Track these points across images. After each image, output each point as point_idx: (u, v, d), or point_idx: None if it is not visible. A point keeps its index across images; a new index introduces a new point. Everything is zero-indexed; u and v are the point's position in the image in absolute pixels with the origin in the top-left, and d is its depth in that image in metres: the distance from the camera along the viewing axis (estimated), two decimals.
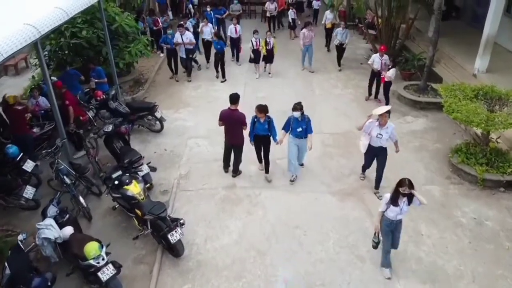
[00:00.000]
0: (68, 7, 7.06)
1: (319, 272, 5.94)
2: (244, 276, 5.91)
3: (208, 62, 13.43)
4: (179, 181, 7.97)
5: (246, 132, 7.73)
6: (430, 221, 6.84)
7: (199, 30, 13.16)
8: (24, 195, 6.80)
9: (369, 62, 10.61)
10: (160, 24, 14.02)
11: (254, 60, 12.51)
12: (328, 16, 14.25)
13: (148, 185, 7.17)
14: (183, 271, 6.01)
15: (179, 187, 7.79)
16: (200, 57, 13.66)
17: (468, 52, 11.63)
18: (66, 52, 10.68)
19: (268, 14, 16.47)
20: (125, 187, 6.23)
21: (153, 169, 7.54)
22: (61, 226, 5.83)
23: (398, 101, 10.95)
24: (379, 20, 13.46)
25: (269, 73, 12.73)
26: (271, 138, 7.52)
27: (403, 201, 5.44)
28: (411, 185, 5.34)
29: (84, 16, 10.36)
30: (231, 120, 7.59)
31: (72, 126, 8.09)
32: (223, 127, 7.76)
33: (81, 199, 6.76)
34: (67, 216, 5.96)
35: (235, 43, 13.43)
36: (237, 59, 13.80)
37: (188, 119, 10.38)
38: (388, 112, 6.80)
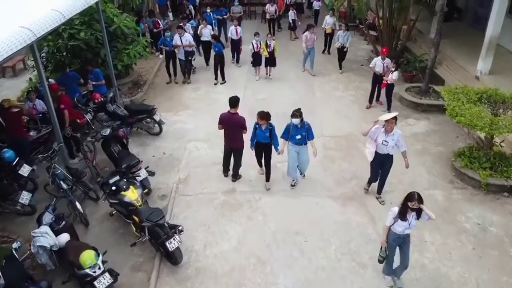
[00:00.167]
0: (64, 9, 6.93)
1: (321, 280, 5.82)
2: (244, 284, 5.79)
3: (207, 64, 13.29)
4: (178, 185, 7.85)
5: (246, 136, 7.61)
6: (433, 227, 6.70)
7: (198, 32, 12.98)
8: (20, 200, 6.68)
9: (370, 66, 10.45)
10: (161, 26, 13.85)
11: (255, 63, 12.33)
12: (328, 21, 13.94)
13: (146, 190, 7.05)
14: (182, 279, 5.88)
15: (178, 192, 7.67)
16: (199, 59, 13.54)
17: (470, 54, 11.51)
18: (64, 54, 10.58)
19: (268, 16, 16.30)
20: (123, 193, 6.11)
21: (152, 173, 7.42)
22: (57, 233, 5.71)
23: (399, 103, 10.83)
24: (380, 21, 13.34)
25: (269, 75, 12.53)
26: (273, 146, 7.36)
27: (411, 215, 5.14)
28: (420, 200, 5.04)
29: (82, 17, 10.24)
30: (230, 124, 7.47)
31: (68, 130, 7.95)
32: (222, 130, 7.64)
33: (77, 204, 6.63)
34: (63, 222, 5.84)
35: (236, 45, 13.28)
36: (237, 61, 13.64)
37: (187, 122, 10.26)
38: (395, 118, 6.54)
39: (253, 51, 12.00)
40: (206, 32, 12.63)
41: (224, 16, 15.32)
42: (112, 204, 6.42)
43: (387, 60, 10.09)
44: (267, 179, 7.67)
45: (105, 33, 9.89)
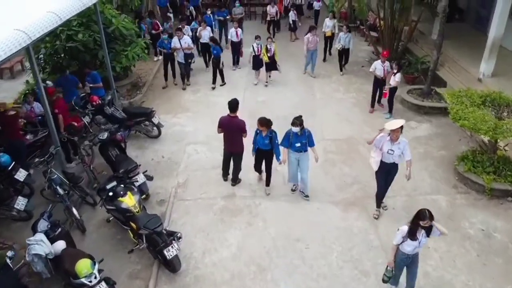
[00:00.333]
0: (61, 11, 6.80)
1: None
2: None
3: (207, 66, 13.15)
4: (176, 190, 7.72)
5: (246, 140, 7.49)
6: None
7: (198, 34, 12.80)
8: (15, 206, 6.55)
9: (370, 70, 10.22)
10: (161, 28, 13.66)
11: (255, 66, 12.05)
12: (327, 24, 13.54)
13: (144, 196, 6.92)
14: (180, 287, 5.76)
15: (177, 197, 7.54)
16: (199, 61, 13.39)
17: (472, 55, 11.38)
18: (62, 55, 10.45)
19: (269, 18, 16.11)
20: (120, 199, 5.98)
21: (150, 178, 7.28)
22: (52, 240, 5.59)
23: (401, 105, 10.70)
24: (381, 22, 13.21)
25: (269, 76, 12.28)
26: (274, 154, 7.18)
27: (421, 233, 4.90)
28: (431, 217, 4.77)
29: (80, 18, 10.11)
30: (230, 128, 7.34)
31: (63, 134, 7.82)
32: (222, 134, 7.52)
33: (74, 210, 6.51)
34: (59, 229, 5.71)
35: (236, 47, 13.05)
36: (237, 62, 13.41)
37: (186, 125, 10.13)
38: (401, 127, 6.20)
39: (253, 54, 11.75)
40: (205, 34, 12.45)
41: (226, 17, 15.10)
42: (109, 210, 6.29)
43: (387, 63, 9.93)
44: (267, 184, 7.53)
45: (103, 35, 9.76)
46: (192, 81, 12.38)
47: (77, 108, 8.80)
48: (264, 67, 12.03)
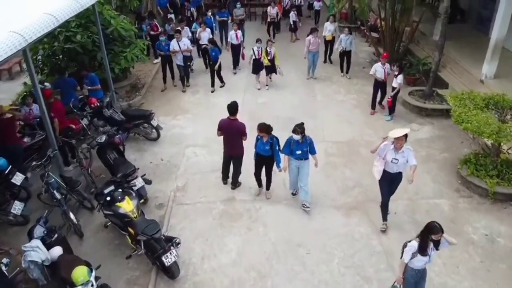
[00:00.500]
0: (58, 12, 6.69)
1: None
2: None
3: (207, 68, 13.00)
4: (175, 193, 7.62)
5: (246, 143, 7.38)
6: None
7: (197, 35, 12.61)
8: (12, 211, 6.44)
9: (371, 73, 10.03)
10: (160, 29, 13.49)
11: (255, 70, 11.79)
12: (328, 28, 13.00)
13: (142, 200, 6.82)
14: None
15: (176, 201, 7.44)
16: (199, 63, 13.28)
17: (474, 57, 11.29)
18: (60, 57, 10.35)
19: (269, 19, 15.90)
20: (117, 204, 5.88)
21: (148, 182, 7.18)
22: (49, 246, 5.48)
23: (403, 107, 10.60)
24: (382, 23, 13.11)
25: (270, 78, 12.12)
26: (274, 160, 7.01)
27: (430, 247, 4.73)
28: (442, 229, 4.60)
29: (78, 19, 10.03)
30: (230, 131, 7.24)
31: (59, 138, 7.70)
32: (221, 136, 7.42)
33: (71, 215, 6.41)
34: (56, 235, 5.60)
35: (237, 50, 12.81)
36: (237, 64, 13.17)
37: (186, 127, 10.03)
38: (405, 135, 5.98)
39: (254, 57, 11.48)
40: (205, 36, 12.25)
41: (226, 18, 14.87)
42: (106, 215, 6.19)
43: (388, 65, 9.79)
44: (267, 188, 7.42)
45: (102, 36, 9.66)
46: (192, 83, 12.27)
47: (75, 110, 8.69)
48: (264, 70, 11.81)
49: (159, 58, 12.23)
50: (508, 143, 7.46)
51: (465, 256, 6.21)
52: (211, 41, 11.52)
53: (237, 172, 7.62)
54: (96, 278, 4.98)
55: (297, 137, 6.57)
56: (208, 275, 5.91)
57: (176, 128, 9.95)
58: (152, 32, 13.36)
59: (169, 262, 5.38)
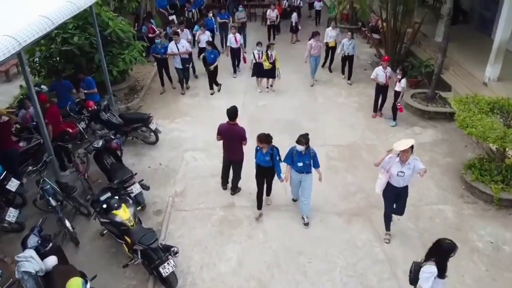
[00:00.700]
0: (54, 14, 6.54)
1: None
2: None
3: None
4: (174, 199, 7.47)
5: (246, 148, 7.23)
6: None
7: (196, 38, 12.34)
8: (6, 218, 6.28)
9: (372, 77, 9.79)
10: (157, 31, 13.32)
11: (256, 74, 11.51)
12: (330, 34, 12.42)
13: (139, 208, 6.67)
14: None
15: (174, 207, 7.29)
16: (199, 65, 13.06)
17: (477, 59, 11.14)
18: (57, 59, 10.20)
19: (269, 22, 15.56)
20: (114, 212, 5.73)
21: (146, 187, 7.04)
22: (43, 255, 5.33)
23: (405, 110, 10.35)
24: (384, 24, 12.96)
25: (271, 85, 11.73)
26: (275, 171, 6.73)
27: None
28: (455, 244, 4.36)
29: (76, 21, 9.87)
30: (230, 135, 7.09)
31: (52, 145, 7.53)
32: (221, 141, 7.27)
33: (67, 222, 6.25)
34: (50, 244, 5.46)
35: (236, 54, 12.53)
36: (238, 67, 12.92)
37: (185, 130, 9.88)
38: (411, 146, 5.65)
39: (254, 61, 11.19)
40: (204, 39, 12.00)
41: (226, 20, 14.57)
42: (103, 223, 6.03)
43: (389, 69, 9.56)
44: (268, 194, 7.25)
45: (99, 38, 9.51)
46: (192, 85, 12.08)
47: (72, 114, 8.54)
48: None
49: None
50: None
51: (470, 265, 6.06)
52: (210, 43, 11.26)
53: (237, 177, 7.47)
54: None
55: (300, 148, 6.24)
56: (207, 285, 5.76)
57: (175, 132, 9.81)
58: (149, 35, 13.18)
59: (167, 272, 5.23)
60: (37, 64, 10.44)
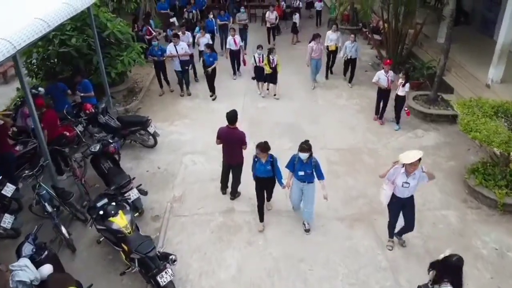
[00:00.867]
0: (49, 17, 6.40)
1: None
2: None
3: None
4: (172, 204, 7.34)
5: (245, 152, 7.10)
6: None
7: (196, 40, 12.14)
8: (1, 224, 6.13)
9: (373, 81, 9.58)
10: (153, 33, 13.13)
11: (256, 77, 11.29)
12: (330, 37, 11.97)
13: (137, 214, 6.54)
14: None
15: (172, 212, 7.16)
16: (199, 68, 12.93)
17: (479, 60, 11.02)
18: (55, 61, 10.08)
19: (268, 25, 15.29)
20: (110, 219, 5.60)
21: (144, 192, 6.92)
22: (39, 264, 5.20)
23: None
24: (385, 25, 12.83)
25: (274, 95, 11.41)
26: (276, 179, 6.53)
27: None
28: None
29: (73, 22, 9.73)
30: (229, 139, 6.96)
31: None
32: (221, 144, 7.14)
33: (63, 229, 6.13)
34: (45, 252, 5.32)
35: (236, 56, 12.32)
36: (238, 69, 12.70)
37: (184, 133, 9.75)
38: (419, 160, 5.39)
39: (255, 65, 10.97)
40: (204, 41, 11.80)
41: (227, 21, 14.38)
42: (99, 230, 5.90)
43: (391, 73, 9.34)
44: (268, 199, 7.10)
45: (97, 40, 9.38)
46: (191, 87, 11.86)
47: (69, 117, 8.41)
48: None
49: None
50: None
51: (474, 272, 5.93)
52: (208, 45, 11.02)
53: (236, 181, 7.35)
54: None
55: (304, 155, 5.99)
56: None
57: (174, 134, 9.68)
58: (146, 36, 13.03)
59: (164, 282, 5.10)
60: (34, 66, 10.32)
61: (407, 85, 9.06)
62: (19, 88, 10.03)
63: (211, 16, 14.12)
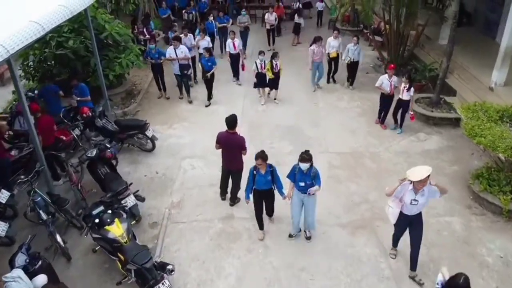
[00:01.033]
0: (45, 20, 6.25)
1: None
2: None
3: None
4: (170, 210, 7.19)
5: (245, 157, 6.95)
6: (452, 261, 6.05)
7: (195, 43, 11.87)
8: None
9: (376, 85, 9.37)
10: (147, 35, 12.89)
11: (258, 84, 10.88)
12: (332, 44, 11.42)
13: (134, 222, 6.39)
14: None
15: (171, 219, 7.01)
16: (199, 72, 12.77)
17: (482, 63, 10.89)
18: (52, 63, 9.94)
19: (268, 27, 14.92)
20: (106, 227, 5.45)
21: (141, 199, 6.78)
22: (33, 274, 5.06)
23: (408, 115, 10.15)
24: (386, 26, 12.67)
25: (275, 99, 11.12)
26: (276, 190, 6.31)
27: None
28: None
29: (71, 24, 9.60)
30: (229, 144, 6.82)
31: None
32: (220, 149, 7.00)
33: (58, 237, 5.98)
34: (39, 262, 5.18)
35: (236, 60, 12.02)
36: (237, 74, 12.32)
37: (183, 136, 9.60)
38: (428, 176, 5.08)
39: (256, 71, 10.58)
40: (203, 44, 11.57)
41: (226, 23, 14.13)
42: (95, 239, 5.76)
43: (395, 78, 9.13)
44: (270, 214, 6.75)
45: (95, 42, 9.24)
46: (190, 90, 11.68)
47: (65, 120, 8.27)
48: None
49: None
50: None
51: (480, 282, 5.78)
52: (207, 49, 10.75)
53: (236, 187, 7.20)
54: None
55: (304, 166, 5.74)
56: None
57: (172, 138, 9.53)
58: (141, 37, 12.85)
59: None
60: (31, 68, 10.18)
61: (412, 89, 8.87)
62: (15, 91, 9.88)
63: (211, 18, 13.92)
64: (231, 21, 14.63)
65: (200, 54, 11.45)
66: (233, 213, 7.13)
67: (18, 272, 4.88)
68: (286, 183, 6.26)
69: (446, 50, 9.78)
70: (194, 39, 12.04)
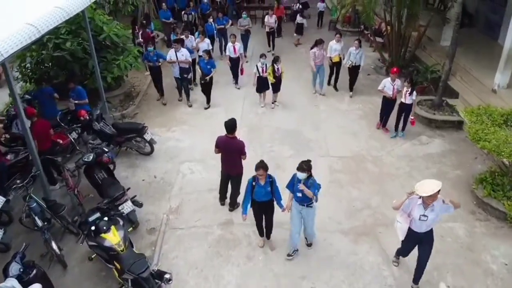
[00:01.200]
0: (40, 22, 6.10)
1: None
2: None
3: None
4: (168, 216, 7.07)
5: (244, 162, 6.82)
6: (456, 269, 5.95)
7: (194, 46, 11.67)
8: None
9: (379, 88, 9.18)
10: (140, 39, 12.73)
11: (259, 89, 10.64)
12: (334, 47, 11.02)
13: (131, 229, 6.26)
14: None
15: (169, 224, 6.88)
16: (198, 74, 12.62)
17: (485, 64, 10.76)
18: (49, 65, 9.80)
19: (268, 29, 14.66)
20: (102, 235, 5.33)
21: (139, 204, 6.66)
22: (27, 283, 4.94)
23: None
24: (387, 27, 12.54)
25: (275, 101, 10.89)
26: (275, 202, 6.10)
27: None
28: None
29: (68, 26, 9.47)
30: (228, 149, 6.69)
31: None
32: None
33: (53, 244, 5.85)
34: (34, 271, 5.05)
35: (236, 64, 11.76)
36: (236, 82, 12.12)
37: (182, 139, 9.47)
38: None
39: (257, 75, 10.33)
40: (203, 46, 11.41)
41: (225, 25, 13.91)
42: (91, 246, 5.63)
43: (398, 82, 8.92)
44: (268, 234, 6.40)
45: (92, 43, 9.10)
46: (190, 93, 11.54)
47: (62, 124, 8.14)
48: (270, 88, 10.71)
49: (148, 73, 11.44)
50: None
51: None
52: (207, 52, 10.53)
53: (235, 192, 7.07)
54: None
55: (301, 175, 5.53)
56: None
57: (171, 141, 9.40)
58: (138, 40, 12.68)
59: None
60: (28, 70, 10.05)
61: (414, 93, 8.73)
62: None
63: (210, 20, 13.76)
64: (230, 22, 14.47)
65: (200, 57, 11.27)
66: (233, 218, 7.00)
67: (12, 282, 4.76)
68: (286, 194, 6.08)
69: (449, 51, 9.66)
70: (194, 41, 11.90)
